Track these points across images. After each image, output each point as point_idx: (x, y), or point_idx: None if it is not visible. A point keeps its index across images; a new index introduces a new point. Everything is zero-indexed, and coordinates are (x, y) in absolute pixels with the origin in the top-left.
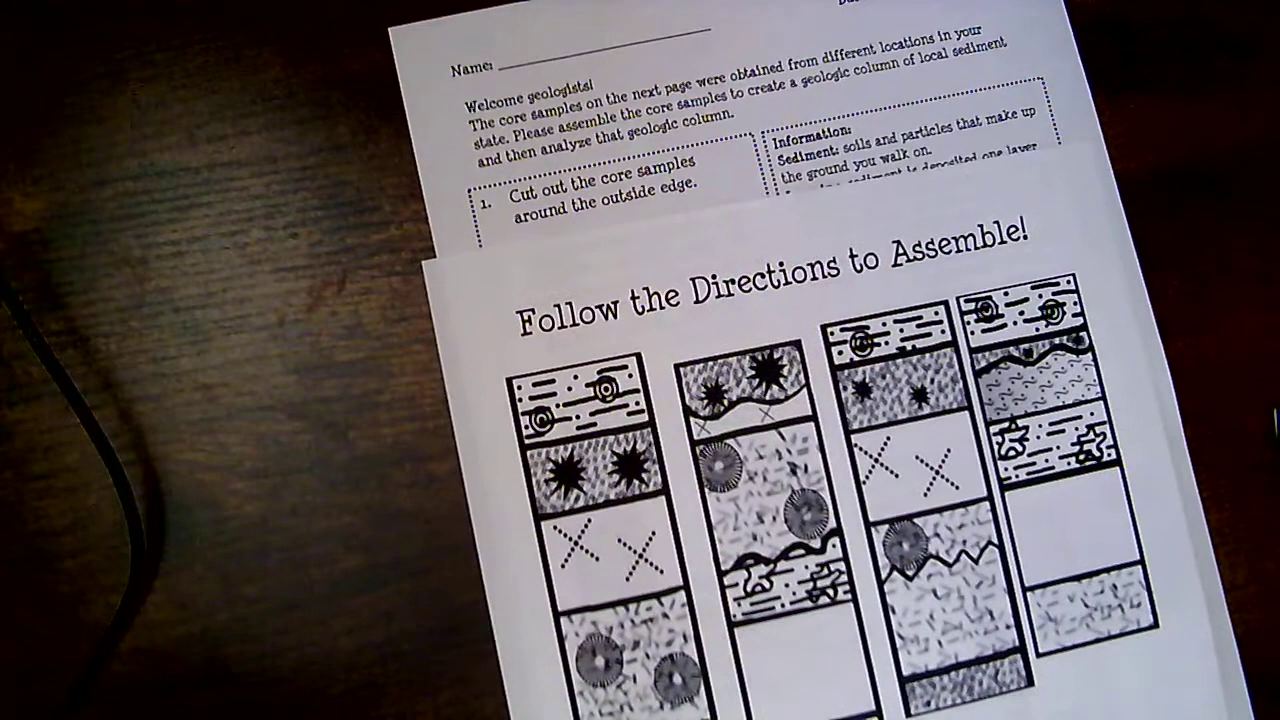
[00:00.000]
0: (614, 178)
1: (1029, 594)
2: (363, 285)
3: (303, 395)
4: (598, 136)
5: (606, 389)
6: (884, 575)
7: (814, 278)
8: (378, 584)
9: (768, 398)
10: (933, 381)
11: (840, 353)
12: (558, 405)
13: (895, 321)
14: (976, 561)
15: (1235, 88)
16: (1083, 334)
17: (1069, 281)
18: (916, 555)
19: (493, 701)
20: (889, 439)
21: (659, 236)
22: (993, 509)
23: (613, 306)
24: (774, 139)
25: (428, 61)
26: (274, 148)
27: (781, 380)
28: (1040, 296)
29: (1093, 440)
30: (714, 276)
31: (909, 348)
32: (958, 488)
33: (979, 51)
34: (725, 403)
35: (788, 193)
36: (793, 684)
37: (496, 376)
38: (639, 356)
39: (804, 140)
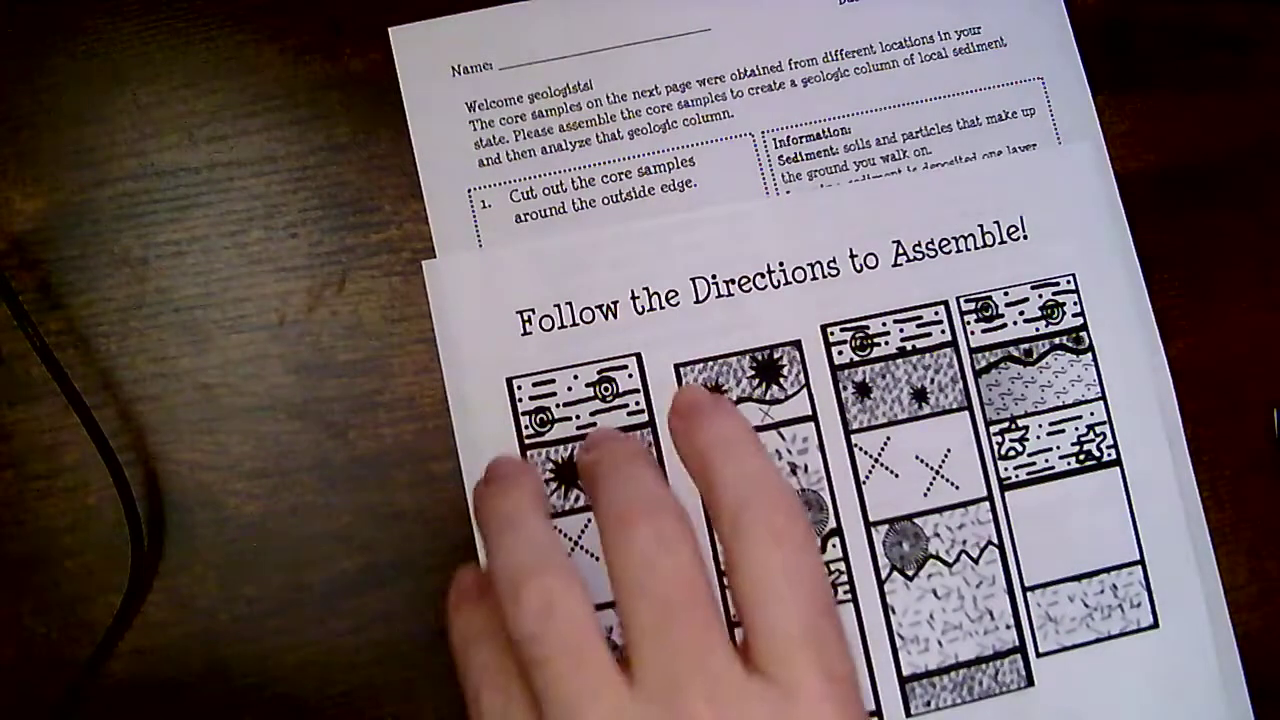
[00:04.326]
0: (614, 178)
1: (1029, 594)
2: (363, 285)
3: (303, 395)
4: (598, 136)
5: (606, 389)
6: (884, 575)
7: (814, 278)
8: (378, 584)
9: (768, 398)
10: (933, 381)
11: (840, 353)
12: (558, 405)
13: (895, 321)
14: (976, 561)
15: (1235, 87)
16: (1083, 334)
17: (1069, 281)
18: (916, 555)
19: None
20: (889, 439)
21: (659, 236)
22: (993, 509)
23: (613, 306)
24: (774, 139)
25: (428, 61)
26: (274, 148)
27: (781, 380)
28: (1040, 296)
29: (1093, 440)
30: (714, 276)
31: (909, 348)
32: (958, 488)
33: (979, 51)
34: None
35: (788, 193)
36: None
37: (496, 376)
38: (639, 356)
39: (804, 140)
